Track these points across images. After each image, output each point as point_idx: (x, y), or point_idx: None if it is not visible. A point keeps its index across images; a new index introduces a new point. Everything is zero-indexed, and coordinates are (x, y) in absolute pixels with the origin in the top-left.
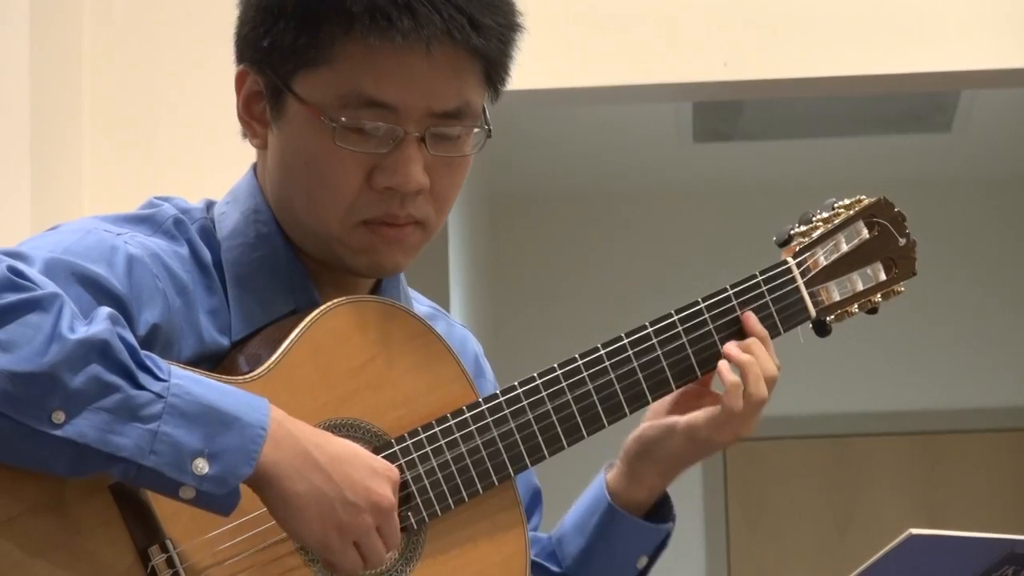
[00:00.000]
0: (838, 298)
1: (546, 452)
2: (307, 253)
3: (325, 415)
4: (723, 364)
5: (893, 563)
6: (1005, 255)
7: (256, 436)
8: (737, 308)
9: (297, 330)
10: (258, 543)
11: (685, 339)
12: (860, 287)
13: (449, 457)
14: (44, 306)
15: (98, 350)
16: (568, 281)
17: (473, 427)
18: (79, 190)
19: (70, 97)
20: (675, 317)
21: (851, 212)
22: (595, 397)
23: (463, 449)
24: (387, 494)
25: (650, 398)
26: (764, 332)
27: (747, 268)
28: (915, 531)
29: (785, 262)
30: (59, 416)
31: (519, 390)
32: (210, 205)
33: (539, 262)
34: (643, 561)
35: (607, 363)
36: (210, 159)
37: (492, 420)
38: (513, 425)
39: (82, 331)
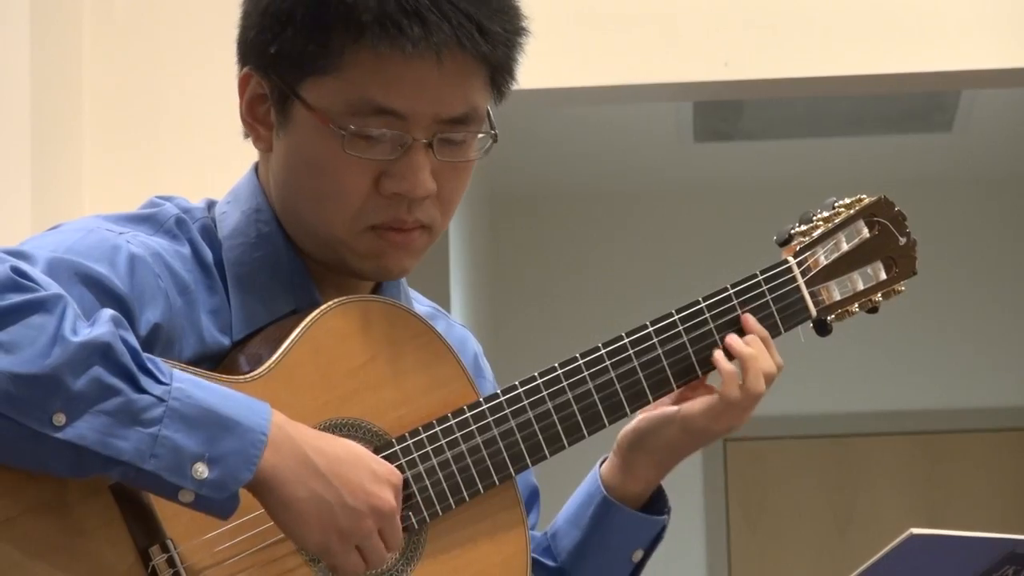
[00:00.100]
0: (839, 297)
1: (547, 451)
2: (308, 253)
3: (326, 415)
4: (719, 353)
5: (893, 563)
6: (1005, 255)
7: (257, 441)
8: (738, 307)
9: (298, 330)
10: (258, 543)
11: (686, 338)
12: (860, 286)
13: (450, 456)
14: (47, 307)
15: (100, 353)
16: (568, 281)
17: (474, 426)
18: (79, 190)
19: (70, 97)
20: (676, 316)
21: (851, 211)
22: (596, 396)
23: (463, 448)
24: (388, 498)
25: (651, 397)
26: (764, 332)
27: (747, 268)
28: (916, 531)
29: (786, 261)
30: (60, 418)
31: (520, 389)
32: (211, 205)
33: (539, 262)
34: (639, 554)
35: (608, 362)
36: (210, 159)
37: (493, 419)
38: (514, 424)
39: (85, 333)
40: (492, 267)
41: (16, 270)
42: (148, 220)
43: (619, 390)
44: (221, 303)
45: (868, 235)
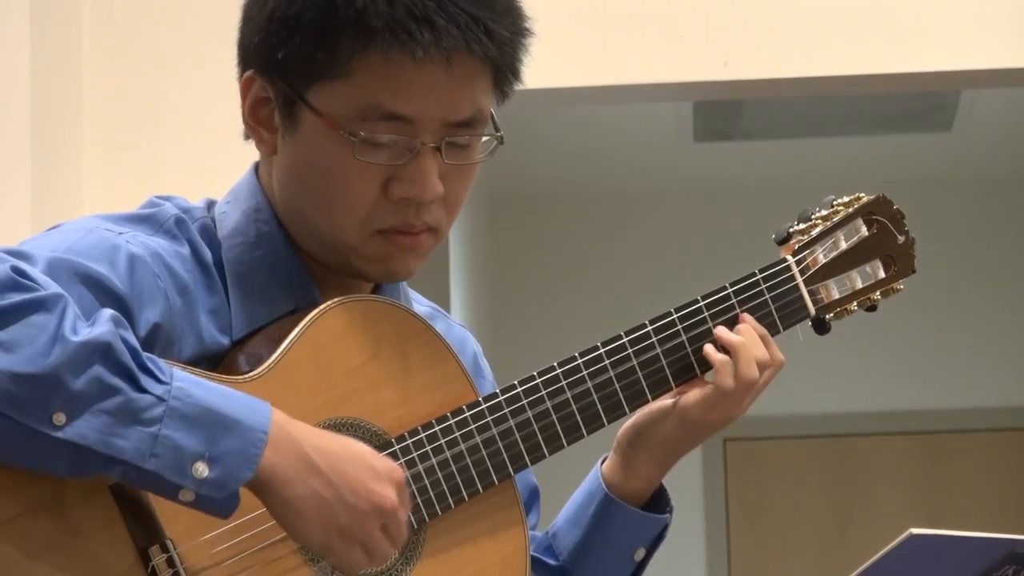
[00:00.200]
0: (837, 296)
1: (546, 451)
2: (310, 254)
3: (325, 414)
4: (709, 347)
5: (893, 563)
6: (1005, 255)
7: (257, 440)
8: (736, 306)
9: (297, 329)
10: (258, 543)
11: (684, 337)
12: (859, 285)
13: (449, 456)
14: (48, 307)
15: (100, 352)
16: (568, 281)
17: (473, 426)
18: (79, 190)
19: (70, 97)
20: (675, 316)
21: (850, 210)
22: (595, 396)
23: (463, 448)
24: (389, 495)
25: (650, 396)
26: (763, 330)
27: (747, 267)
28: (916, 531)
29: (784, 260)
30: (60, 418)
31: (519, 389)
32: (211, 204)
33: (539, 261)
34: (640, 553)
35: (607, 362)
36: (210, 159)
37: (492, 419)
38: (513, 424)
39: (85, 333)
40: (492, 267)
41: (16, 269)
42: (147, 220)
43: (618, 389)
44: (220, 303)
45: (867, 233)
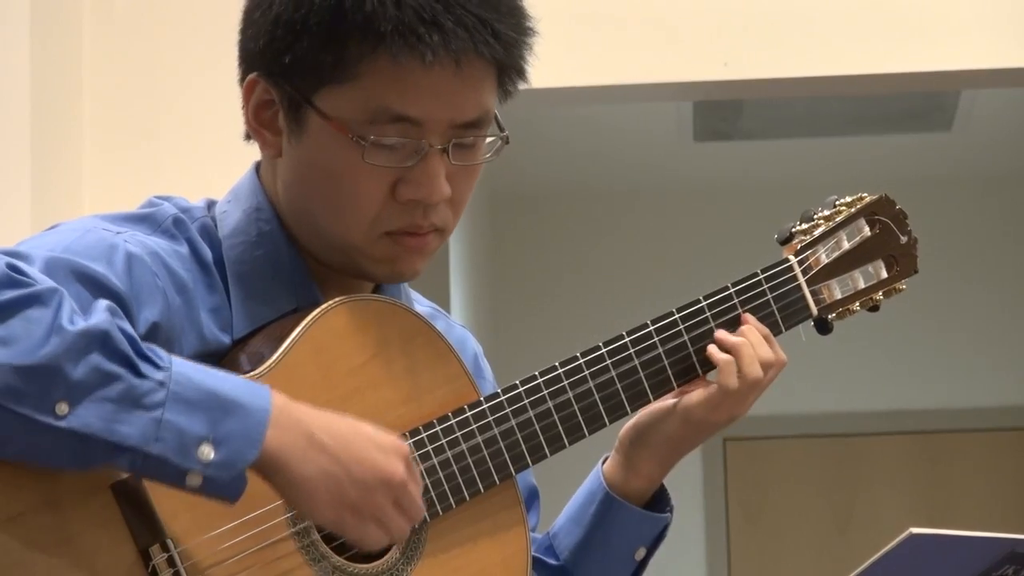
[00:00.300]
0: (839, 296)
1: (547, 451)
2: (314, 255)
3: None
4: (713, 347)
5: (893, 562)
6: (1005, 254)
7: (260, 420)
8: (739, 306)
9: (298, 329)
10: (259, 542)
11: (687, 337)
12: (862, 285)
13: (450, 455)
14: (43, 300)
15: (99, 340)
16: (568, 280)
17: (475, 425)
18: (79, 190)
19: (70, 97)
20: (677, 315)
21: (852, 210)
22: (596, 396)
23: (464, 447)
24: (397, 468)
25: (651, 397)
26: (765, 330)
27: (748, 267)
28: (916, 530)
29: (786, 260)
30: (63, 407)
31: (520, 389)
32: (211, 204)
33: (539, 261)
34: (641, 552)
35: (608, 361)
36: (210, 159)
37: (493, 419)
38: (514, 423)
39: (81, 323)
40: (492, 267)
41: (11, 266)
42: (146, 220)
43: (620, 389)
44: (221, 301)
45: (869, 233)
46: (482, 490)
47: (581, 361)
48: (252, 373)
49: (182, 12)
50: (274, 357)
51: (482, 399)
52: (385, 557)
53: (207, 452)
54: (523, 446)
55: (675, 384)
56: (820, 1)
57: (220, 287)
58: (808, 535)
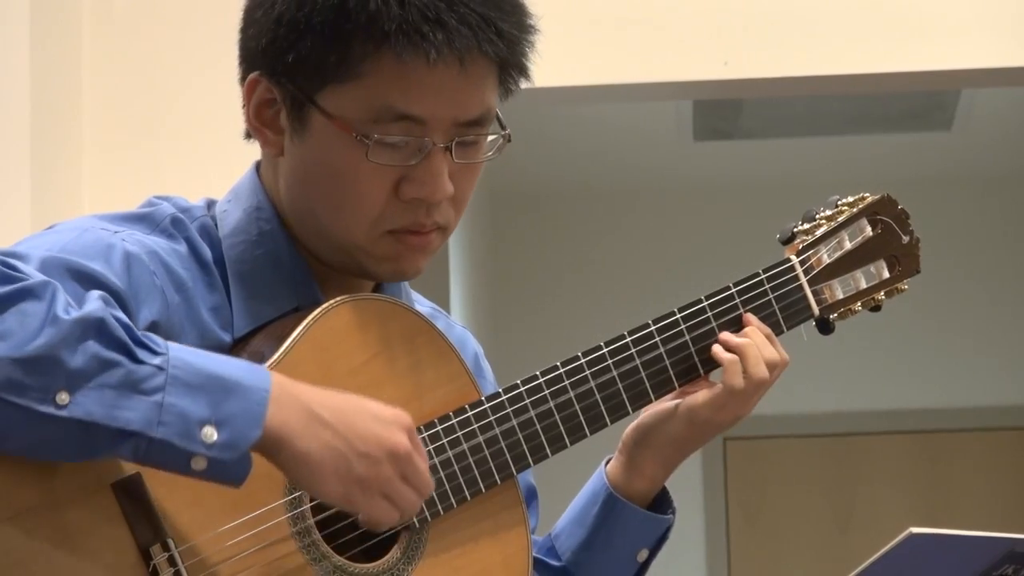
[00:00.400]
0: (841, 296)
1: (548, 451)
2: (316, 254)
3: None
4: (717, 347)
5: (893, 562)
6: (1005, 254)
7: (260, 399)
8: (740, 306)
9: (300, 328)
10: (260, 542)
11: (688, 337)
12: (863, 285)
13: (451, 455)
14: (36, 293)
15: (94, 328)
16: (568, 279)
17: (476, 425)
18: (79, 190)
19: (70, 97)
20: (678, 315)
21: (854, 210)
22: (598, 396)
23: (465, 447)
24: (400, 440)
25: (652, 397)
26: (767, 329)
27: (748, 266)
28: (915, 530)
29: (788, 260)
30: (63, 397)
31: (522, 388)
32: (211, 204)
33: (539, 260)
34: (643, 554)
35: (610, 361)
36: (210, 159)
37: (495, 418)
38: (515, 423)
39: (76, 312)
40: (492, 266)
41: (5, 264)
42: (144, 219)
43: (621, 389)
44: (221, 300)
45: (871, 233)
46: (483, 489)
47: (582, 361)
48: None
49: (182, 12)
50: (275, 356)
51: (483, 399)
52: (386, 557)
53: (210, 433)
54: (524, 446)
55: (676, 384)
56: (820, 1)
57: (220, 286)
58: (808, 535)
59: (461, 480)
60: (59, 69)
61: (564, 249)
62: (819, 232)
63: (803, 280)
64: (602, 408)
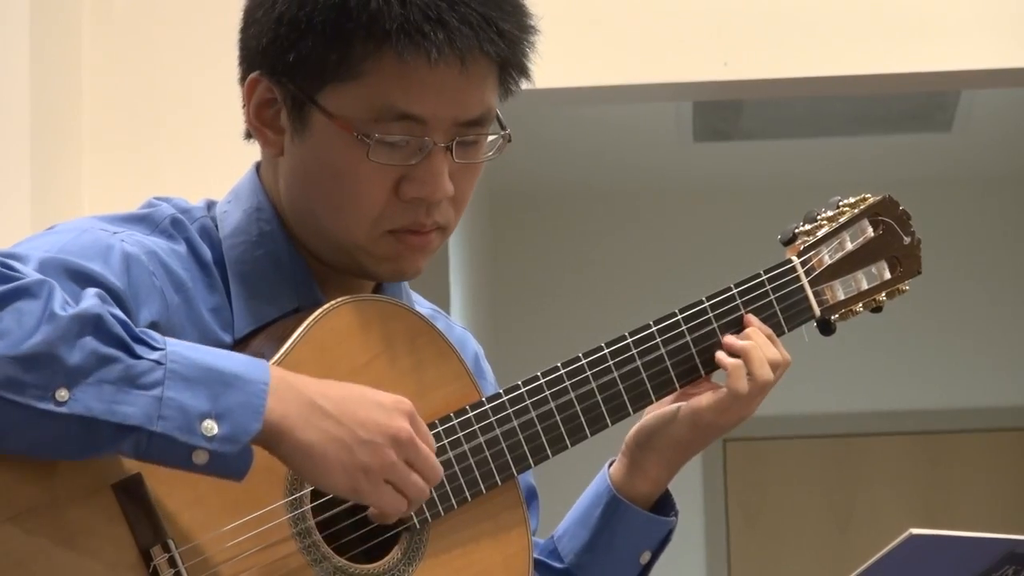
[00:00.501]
0: (842, 297)
1: (549, 452)
2: (316, 254)
3: None
4: (721, 353)
5: (893, 563)
6: (1005, 254)
7: (259, 391)
8: (741, 307)
9: (300, 328)
10: (261, 543)
11: (689, 338)
12: (865, 286)
13: (452, 456)
14: (33, 292)
15: (92, 324)
16: (568, 280)
17: (476, 426)
18: (79, 190)
19: (70, 97)
20: (679, 316)
21: (856, 210)
22: (598, 397)
23: (466, 448)
24: (402, 425)
25: (653, 397)
26: (768, 330)
27: (748, 267)
28: (915, 531)
29: (789, 261)
30: (62, 394)
31: (522, 389)
32: (211, 205)
33: (539, 261)
34: (646, 556)
35: (611, 362)
36: (210, 160)
37: (495, 419)
38: (516, 424)
39: (72, 309)
40: (492, 266)
41: (3, 264)
42: (143, 220)
43: (622, 390)
44: (221, 301)
45: (872, 234)
46: (484, 490)
47: (583, 361)
48: None
49: (182, 12)
50: (276, 356)
51: (484, 399)
52: (387, 558)
53: (211, 427)
54: (525, 446)
55: (678, 385)
56: (820, 1)
57: (220, 287)
58: (808, 535)
59: (462, 481)
60: (59, 69)
61: (564, 249)
62: (820, 233)
63: (804, 281)
64: (603, 409)
